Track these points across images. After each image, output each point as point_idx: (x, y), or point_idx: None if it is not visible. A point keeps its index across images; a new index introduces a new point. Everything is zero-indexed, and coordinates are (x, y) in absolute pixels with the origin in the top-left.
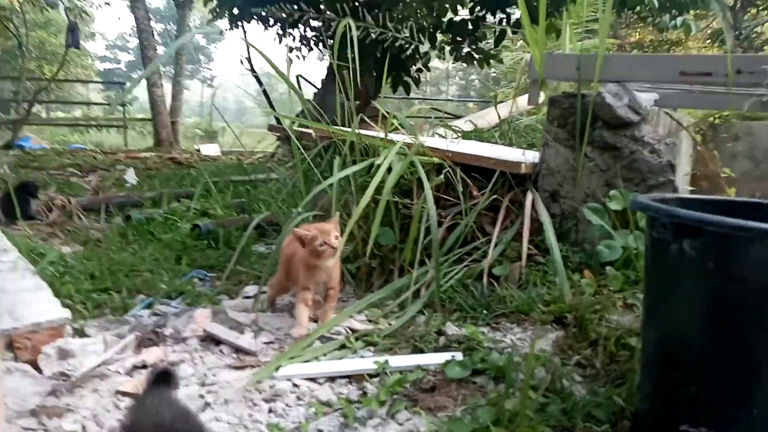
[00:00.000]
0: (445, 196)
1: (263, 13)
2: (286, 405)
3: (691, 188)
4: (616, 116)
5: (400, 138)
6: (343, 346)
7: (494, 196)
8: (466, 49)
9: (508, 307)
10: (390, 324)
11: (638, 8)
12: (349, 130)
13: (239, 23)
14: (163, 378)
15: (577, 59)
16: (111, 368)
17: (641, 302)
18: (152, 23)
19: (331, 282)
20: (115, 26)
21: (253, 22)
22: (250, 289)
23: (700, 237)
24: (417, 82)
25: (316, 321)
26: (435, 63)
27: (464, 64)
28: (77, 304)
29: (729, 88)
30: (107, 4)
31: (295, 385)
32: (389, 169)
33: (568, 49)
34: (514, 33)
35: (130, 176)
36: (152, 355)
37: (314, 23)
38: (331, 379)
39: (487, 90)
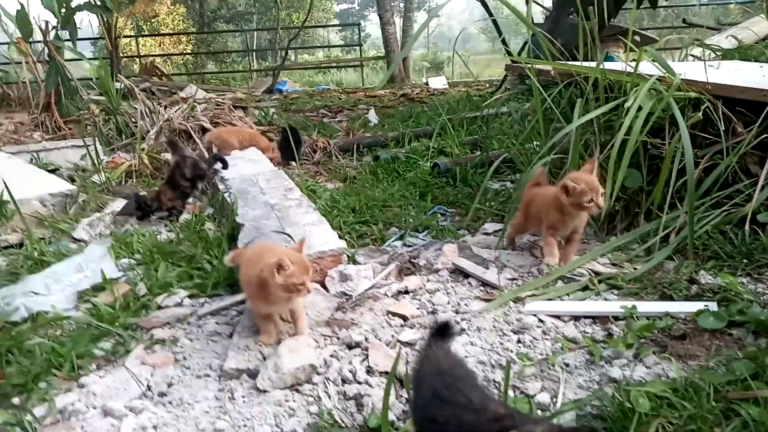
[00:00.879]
0: (703, 134)
1: None
2: (533, 338)
3: None
4: None
5: (649, 70)
6: (586, 288)
7: (764, 134)
8: None
9: None
10: (635, 269)
11: None
12: (590, 65)
13: None
14: (443, 331)
15: None
16: (380, 291)
17: None
18: None
19: (578, 226)
20: None
21: None
22: (489, 227)
23: None
24: None
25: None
26: None
27: None
28: (345, 234)
29: None
30: None
31: (541, 321)
32: (639, 107)
33: None
34: None
35: (372, 116)
36: (412, 282)
37: None
38: (576, 318)
39: None
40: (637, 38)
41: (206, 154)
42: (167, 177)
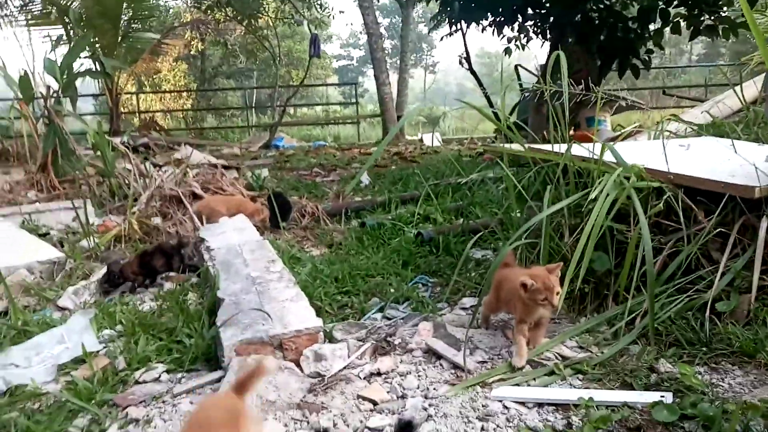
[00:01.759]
0: (666, 221)
1: (481, 21)
2: (497, 426)
3: None
4: None
5: (613, 161)
6: (552, 372)
7: (724, 221)
8: (706, 22)
9: (730, 346)
10: (602, 352)
11: None
12: (562, 149)
13: (458, 26)
14: (406, 428)
15: None
16: (353, 372)
17: None
18: (379, 17)
19: (545, 315)
20: (348, 28)
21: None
22: (467, 301)
23: None
24: (647, 64)
25: (528, 343)
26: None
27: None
28: (326, 305)
29: None
30: (341, 12)
31: (506, 407)
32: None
33: None
34: None
35: (364, 177)
36: (385, 364)
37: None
38: (539, 404)
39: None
40: (624, 104)
41: (196, 222)
42: (138, 254)
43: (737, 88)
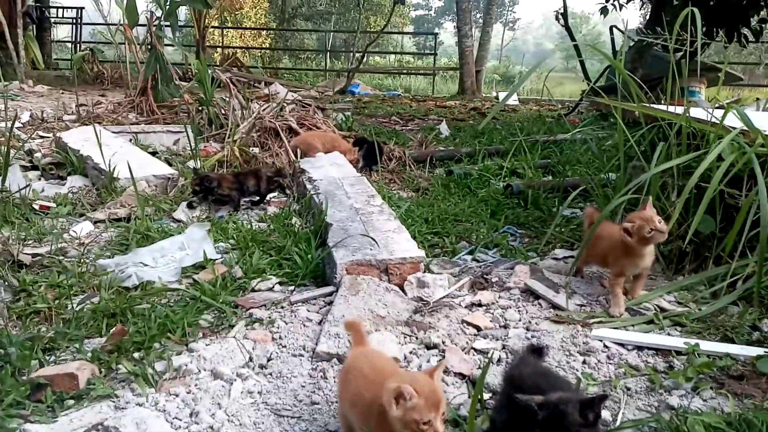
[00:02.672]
0: None
1: None
2: (598, 361)
3: None
4: None
5: (731, 119)
6: (651, 322)
7: None
8: None
9: None
10: (700, 309)
11: None
12: (676, 109)
13: None
14: (537, 350)
15: None
16: (455, 301)
17: None
18: None
19: (646, 266)
20: None
21: None
22: (559, 252)
23: None
24: (758, 34)
25: (626, 294)
26: None
27: None
28: (418, 243)
29: None
30: None
31: (606, 347)
32: (718, 156)
33: None
34: None
35: (444, 128)
36: (485, 297)
37: None
38: (639, 348)
39: None
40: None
41: (292, 155)
42: (235, 173)
43: None
